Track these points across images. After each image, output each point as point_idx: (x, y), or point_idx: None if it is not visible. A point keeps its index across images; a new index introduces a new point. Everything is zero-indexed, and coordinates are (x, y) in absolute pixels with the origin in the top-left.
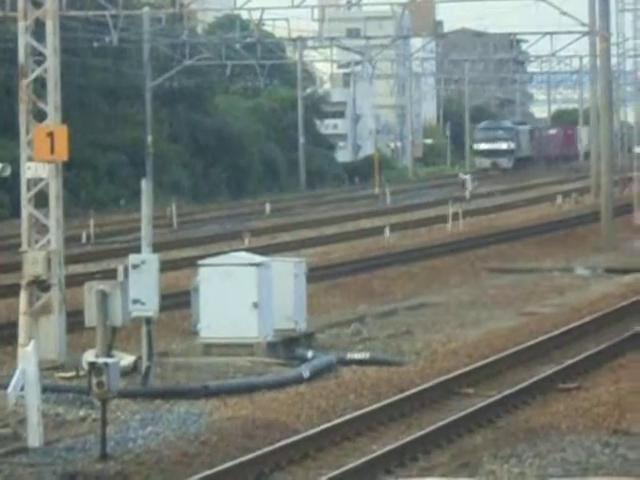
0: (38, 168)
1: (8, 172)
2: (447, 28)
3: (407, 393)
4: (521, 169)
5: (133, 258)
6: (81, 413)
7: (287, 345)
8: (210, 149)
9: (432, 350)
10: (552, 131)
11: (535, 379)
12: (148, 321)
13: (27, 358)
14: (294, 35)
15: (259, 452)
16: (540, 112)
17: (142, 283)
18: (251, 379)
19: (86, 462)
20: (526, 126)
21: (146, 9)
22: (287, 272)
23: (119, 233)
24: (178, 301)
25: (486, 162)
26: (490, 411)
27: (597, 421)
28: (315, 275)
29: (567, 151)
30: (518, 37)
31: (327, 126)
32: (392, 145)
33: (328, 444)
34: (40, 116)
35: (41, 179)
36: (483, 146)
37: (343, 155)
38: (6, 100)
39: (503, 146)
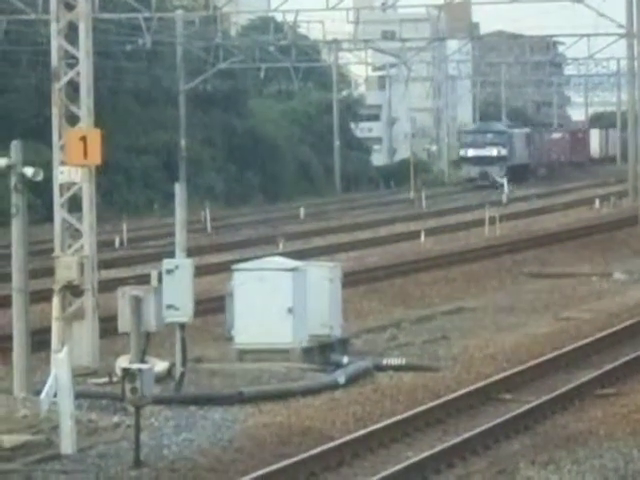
0: (71, 172)
1: (41, 176)
2: (483, 30)
3: (444, 399)
4: (515, 179)
5: (167, 263)
6: (115, 419)
7: (322, 351)
8: (244, 153)
9: (469, 355)
10: (557, 135)
11: (573, 385)
12: (182, 327)
13: (60, 364)
14: (329, 37)
15: (294, 459)
16: (578, 115)
17: (176, 288)
18: (286, 385)
19: (119, 469)
20: (522, 129)
21: (179, 12)
22: (322, 277)
23: (152, 238)
24: (212, 306)
25: (474, 171)
26: (528, 417)
27: (635, 427)
28: (350, 280)
29: (575, 157)
30: (555, 39)
31: (362, 129)
32: (431, 147)
33: (364, 451)
34: (73, 120)
35: (74, 183)
36: (471, 152)
37: (378, 159)
38: (38, 104)
39: (493, 152)
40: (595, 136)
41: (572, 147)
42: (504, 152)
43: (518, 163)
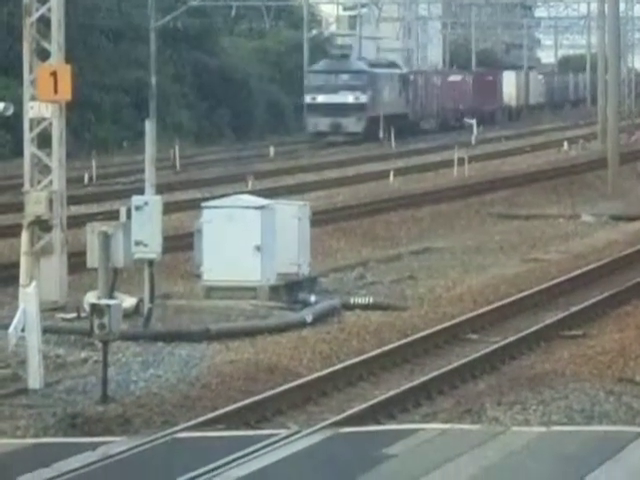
0: (41, 107)
1: (11, 111)
2: None
3: (410, 338)
4: (372, 136)
5: (136, 199)
6: (82, 355)
7: (290, 289)
8: (214, 90)
9: (436, 295)
10: (454, 77)
11: (540, 326)
12: (150, 263)
13: (28, 299)
14: None
15: (261, 396)
16: (547, 57)
17: (145, 225)
18: (253, 322)
19: (87, 404)
20: (394, 69)
21: None
22: (291, 215)
23: (122, 174)
24: (181, 243)
25: (324, 123)
26: (494, 357)
27: (601, 369)
28: (319, 219)
29: (480, 106)
30: None
31: None
32: None
33: (330, 389)
34: (43, 55)
35: (44, 119)
36: (320, 99)
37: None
38: (9, 39)
39: (348, 99)
40: (510, 80)
41: (476, 94)
42: (363, 99)
43: (387, 113)
